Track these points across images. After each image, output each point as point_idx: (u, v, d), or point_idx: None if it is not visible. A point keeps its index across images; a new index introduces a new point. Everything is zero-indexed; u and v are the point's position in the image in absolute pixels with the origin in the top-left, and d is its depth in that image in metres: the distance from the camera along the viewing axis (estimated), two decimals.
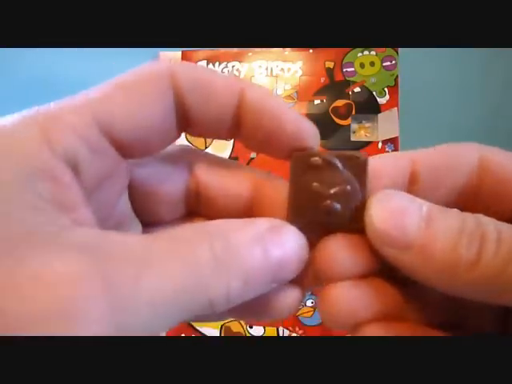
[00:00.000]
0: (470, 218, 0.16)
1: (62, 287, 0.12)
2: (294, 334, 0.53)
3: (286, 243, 0.17)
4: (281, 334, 0.53)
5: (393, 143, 0.57)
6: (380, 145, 0.57)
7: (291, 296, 0.18)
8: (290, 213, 0.18)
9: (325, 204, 0.18)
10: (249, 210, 0.19)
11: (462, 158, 0.18)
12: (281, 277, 0.17)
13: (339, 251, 0.18)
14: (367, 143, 0.58)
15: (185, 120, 0.18)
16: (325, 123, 0.59)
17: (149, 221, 0.20)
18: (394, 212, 0.17)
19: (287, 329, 0.53)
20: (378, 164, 0.19)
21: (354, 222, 0.17)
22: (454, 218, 0.16)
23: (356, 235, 0.18)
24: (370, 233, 0.17)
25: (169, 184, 0.19)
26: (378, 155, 0.19)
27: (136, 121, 0.16)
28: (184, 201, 0.20)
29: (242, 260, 0.15)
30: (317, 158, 0.18)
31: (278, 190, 0.19)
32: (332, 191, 0.18)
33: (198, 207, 0.20)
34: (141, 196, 0.19)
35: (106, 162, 0.16)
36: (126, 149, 0.17)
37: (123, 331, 0.12)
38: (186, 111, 0.17)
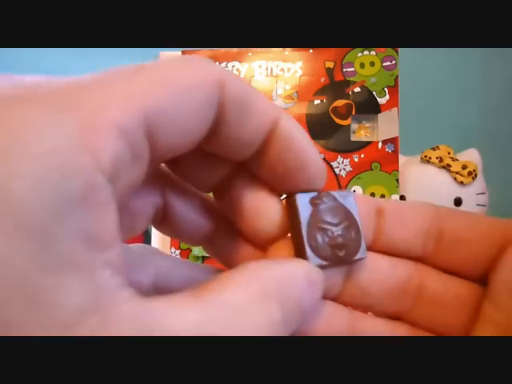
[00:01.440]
0: None
1: None
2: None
3: (317, 294, 0.17)
4: None
5: (393, 143, 0.57)
6: (380, 145, 0.57)
7: None
8: (308, 252, 0.18)
9: (338, 241, 0.18)
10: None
11: (422, 205, 0.19)
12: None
13: None
14: (367, 143, 0.58)
15: (214, 133, 0.16)
16: (325, 123, 0.59)
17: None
18: None
19: None
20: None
21: (356, 253, 0.18)
22: None
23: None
24: None
25: (140, 202, 0.18)
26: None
27: (180, 128, 0.14)
28: (151, 218, 0.19)
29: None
30: (322, 198, 0.18)
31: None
32: (340, 227, 0.18)
33: (162, 225, 0.20)
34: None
35: (141, 169, 0.14)
36: (157, 155, 0.14)
37: None
38: (220, 126, 0.16)
